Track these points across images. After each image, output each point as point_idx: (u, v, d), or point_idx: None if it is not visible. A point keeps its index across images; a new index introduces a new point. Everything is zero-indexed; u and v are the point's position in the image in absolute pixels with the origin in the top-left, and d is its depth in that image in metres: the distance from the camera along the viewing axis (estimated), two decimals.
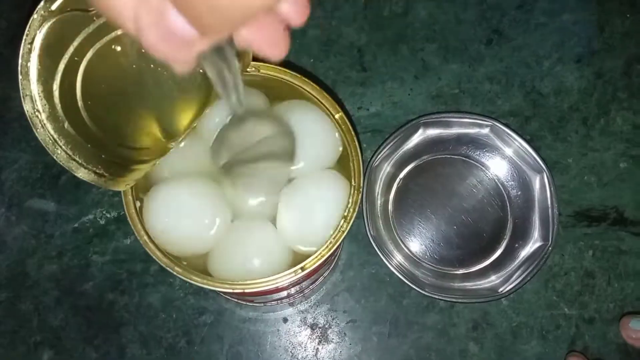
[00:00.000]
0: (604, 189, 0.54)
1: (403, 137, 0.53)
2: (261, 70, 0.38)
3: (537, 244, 0.49)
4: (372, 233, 0.49)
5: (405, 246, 0.51)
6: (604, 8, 0.59)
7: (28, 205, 0.54)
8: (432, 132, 0.53)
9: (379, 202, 0.52)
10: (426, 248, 0.51)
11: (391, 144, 0.52)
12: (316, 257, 0.35)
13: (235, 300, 0.50)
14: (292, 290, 0.45)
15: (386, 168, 0.53)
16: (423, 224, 0.52)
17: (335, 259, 0.50)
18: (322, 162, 0.39)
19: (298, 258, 0.36)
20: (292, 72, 0.38)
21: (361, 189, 0.37)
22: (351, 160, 0.37)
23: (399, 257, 0.51)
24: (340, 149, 0.39)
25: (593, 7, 0.59)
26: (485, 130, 0.52)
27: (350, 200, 0.36)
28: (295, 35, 0.58)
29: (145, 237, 0.35)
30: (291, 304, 0.51)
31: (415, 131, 0.53)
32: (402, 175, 0.53)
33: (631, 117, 0.56)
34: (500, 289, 0.48)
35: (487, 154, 0.53)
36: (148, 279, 0.51)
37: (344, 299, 0.51)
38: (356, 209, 0.36)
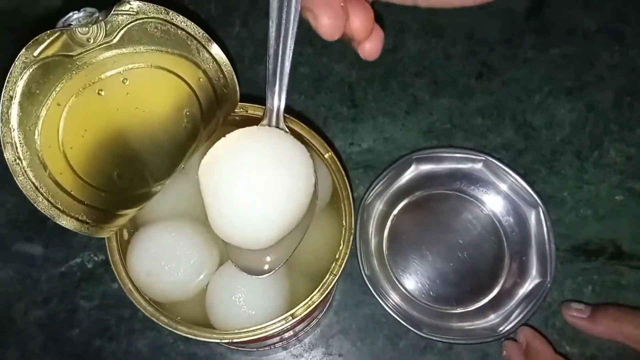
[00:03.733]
0: (601, 222, 0.53)
1: (395, 174, 0.52)
2: (249, 111, 0.38)
3: (536, 281, 0.48)
4: (366, 272, 0.48)
5: (401, 285, 0.50)
6: (592, 42, 0.59)
7: (15, 249, 0.53)
8: (425, 167, 0.53)
9: (373, 240, 0.51)
10: (422, 286, 0.50)
11: (383, 180, 0.51)
12: (307, 302, 0.34)
13: (227, 345, 0.48)
14: (285, 335, 0.43)
15: (379, 206, 0.52)
16: (418, 261, 0.51)
17: (329, 301, 0.49)
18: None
19: (291, 303, 0.35)
20: None
21: (352, 229, 0.36)
22: (342, 200, 0.37)
23: (394, 297, 0.49)
24: (331, 188, 0.38)
25: (579, 41, 0.59)
26: (479, 165, 0.52)
27: (342, 242, 0.35)
28: None
29: (130, 286, 0.34)
30: (284, 348, 0.49)
31: (408, 167, 0.52)
32: (395, 212, 0.52)
33: (624, 148, 0.56)
34: (500, 329, 0.47)
35: (482, 189, 0.52)
36: (136, 325, 0.50)
37: (339, 342, 0.50)
38: (348, 251, 0.35)
